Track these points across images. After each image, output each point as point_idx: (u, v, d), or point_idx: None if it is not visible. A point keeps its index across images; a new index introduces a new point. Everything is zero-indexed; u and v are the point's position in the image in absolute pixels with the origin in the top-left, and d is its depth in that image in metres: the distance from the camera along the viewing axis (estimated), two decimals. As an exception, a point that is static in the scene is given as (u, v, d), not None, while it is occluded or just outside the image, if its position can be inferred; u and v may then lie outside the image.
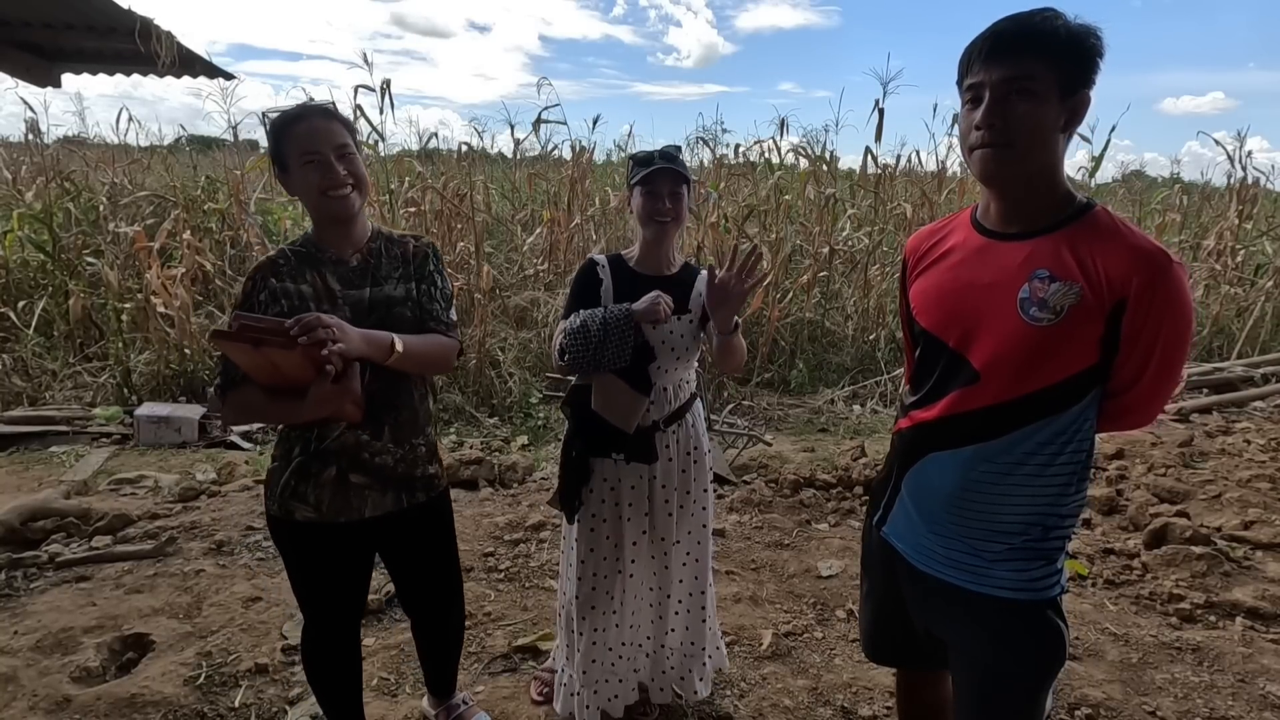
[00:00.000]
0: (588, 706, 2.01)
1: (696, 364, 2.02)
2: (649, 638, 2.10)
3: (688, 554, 2.05)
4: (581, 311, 1.83)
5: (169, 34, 3.07)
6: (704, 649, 2.13)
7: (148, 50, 3.11)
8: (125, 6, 2.87)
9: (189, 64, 3.44)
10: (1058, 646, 1.25)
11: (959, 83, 1.23)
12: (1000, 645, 1.27)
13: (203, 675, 2.32)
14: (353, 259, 1.60)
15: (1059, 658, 1.26)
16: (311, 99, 6.10)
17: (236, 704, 2.21)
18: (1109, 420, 1.24)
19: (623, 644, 2.05)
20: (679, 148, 1.93)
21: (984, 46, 1.17)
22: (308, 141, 1.50)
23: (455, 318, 1.73)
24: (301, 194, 1.56)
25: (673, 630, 2.10)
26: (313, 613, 1.77)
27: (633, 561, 1.98)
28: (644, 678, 2.14)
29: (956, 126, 1.26)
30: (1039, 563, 1.24)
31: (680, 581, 2.06)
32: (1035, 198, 1.21)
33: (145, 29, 3.01)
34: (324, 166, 1.50)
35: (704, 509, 2.04)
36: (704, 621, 2.10)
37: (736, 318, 1.80)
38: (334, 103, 1.62)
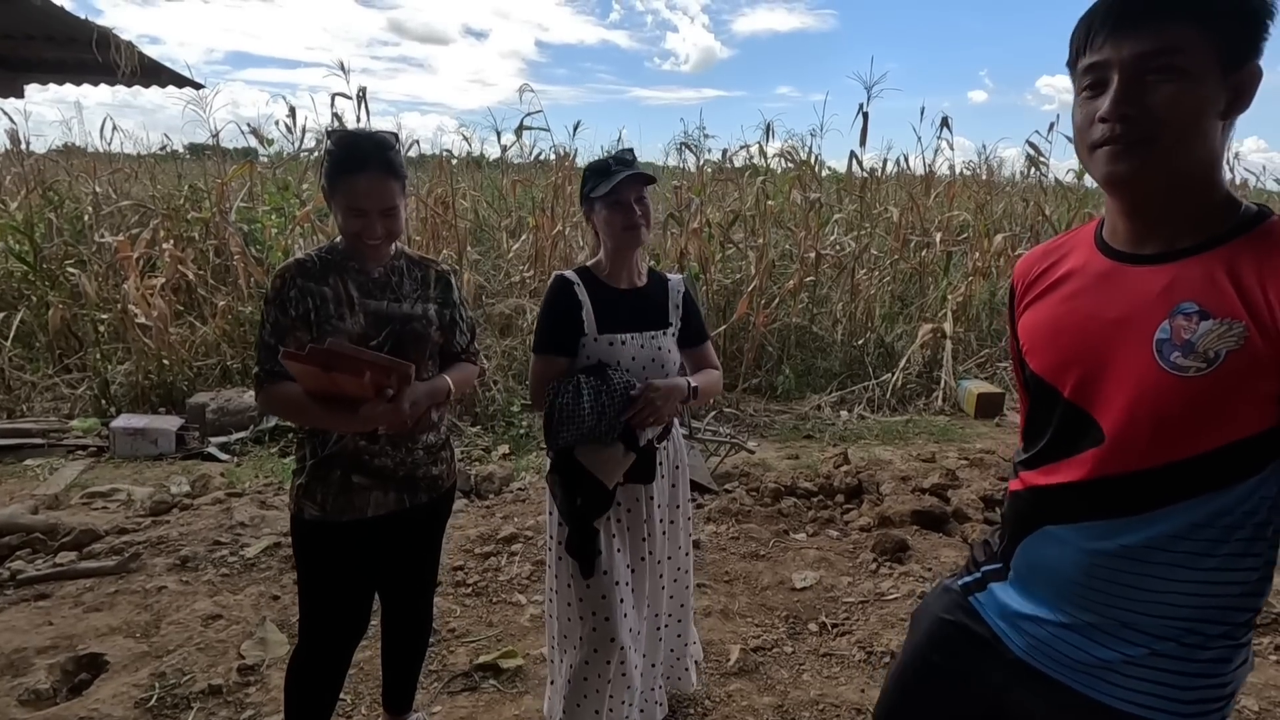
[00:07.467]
0: None
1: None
2: (636, 667, 1.92)
3: (678, 569, 2.02)
4: (581, 387, 1.69)
5: (129, 44, 3.05)
6: (687, 645, 2.10)
7: (106, 60, 3.09)
8: (83, 17, 2.85)
9: (153, 74, 3.42)
10: None
11: (1071, 64, 0.96)
12: None
13: (154, 697, 2.26)
14: (374, 271, 1.69)
15: None
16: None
17: (186, 727, 2.17)
18: None
19: (623, 699, 1.88)
20: (631, 150, 1.90)
21: (1111, 9, 0.89)
22: (362, 199, 1.57)
23: (478, 347, 1.89)
24: (339, 222, 1.63)
25: (670, 648, 2.05)
26: (312, 630, 1.79)
27: (621, 601, 1.81)
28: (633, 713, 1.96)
29: (1073, 116, 0.97)
30: (1192, 678, 0.94)
31: (670, 597, 2.02)
32: (1181, 207, 0.92)
33: (104, 39, 2.98)
34: (366, 222, 1.59)
35: (687, 518, 2.02)
36: (687, 622, 2.08)
37: (689, 384, 1.83)
38: (395, 133, 1.63)
